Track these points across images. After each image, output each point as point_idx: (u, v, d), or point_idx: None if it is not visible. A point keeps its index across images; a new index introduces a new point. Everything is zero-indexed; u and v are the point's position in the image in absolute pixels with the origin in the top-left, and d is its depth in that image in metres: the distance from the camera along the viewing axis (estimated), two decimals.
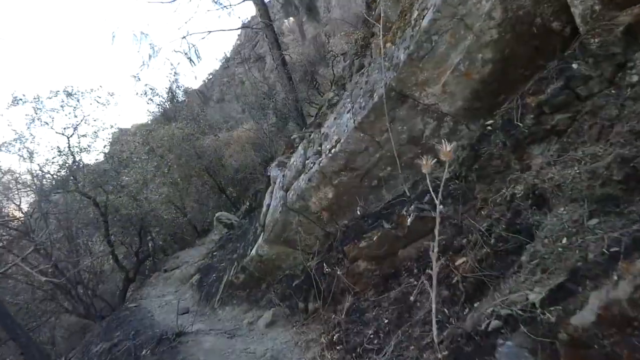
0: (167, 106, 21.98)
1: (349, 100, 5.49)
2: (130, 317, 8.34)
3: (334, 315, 4.62)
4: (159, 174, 17.43)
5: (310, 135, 6.43)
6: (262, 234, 6.55)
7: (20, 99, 11.60)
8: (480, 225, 3.57)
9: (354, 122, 5.20)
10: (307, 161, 5.95)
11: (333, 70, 20.68)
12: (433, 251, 2.65)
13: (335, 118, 5.65)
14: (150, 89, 20.87)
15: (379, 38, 7.77)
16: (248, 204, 13.58)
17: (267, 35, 12.41)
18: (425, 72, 4.72)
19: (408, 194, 4.85)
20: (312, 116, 14.03)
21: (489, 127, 4.25)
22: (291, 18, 41.21)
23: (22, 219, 10.69)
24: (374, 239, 4.53)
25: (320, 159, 5.65)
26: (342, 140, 5.33)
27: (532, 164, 3.63)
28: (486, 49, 4.44)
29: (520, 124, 3.75)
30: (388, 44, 5.13)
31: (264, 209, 6.72)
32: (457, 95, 4.79)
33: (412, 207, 4.28)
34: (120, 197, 12.55)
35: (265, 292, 6.56)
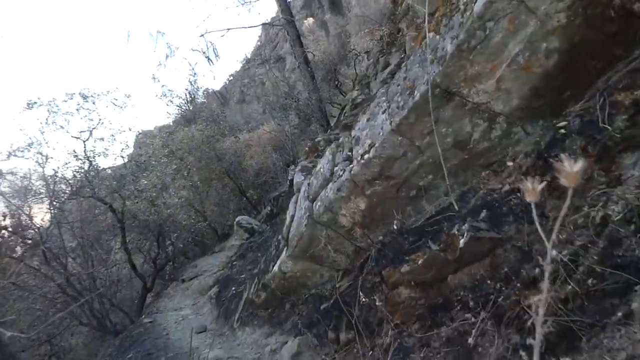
0: (187, 108, 21.45)
1: (384, 98, 4.78)
2: (144, 335, 7.76)
3: (371, 352, 3.92)
4: (179, 177, 16.99)
5: (338, 139, 5.70)
6: (285, 249, 5.87)
7: (35, 103, 11.16)
8: (560, 252, 2.82)
9: (390, 123, 4.50)
10: (335, 168, 5.25)
11: (355, 69, 19.98)
12: (537, 314, 1.91)
13: (368, 119, 4.95)
14: (168, 90, 20.30)
15: (413, 31, 7.05)
16: (269, 208, 12.96)
17: (288, 33, 11.75)
18: (477, 66, 3.99)
19: (456, 207, 4.11)
20: (335, 117, 13.36)
21: (562, 130, 3.49)
22: (311, 19, 40.80)
23: (35, 227, 10.18)
24: (419, 262, 3.81)
25: (351, 165, 4.95)
26: (376, 145, 4.62)
27: (623, 177, 2.87)
28: (552, 37, 3.69)
29: (609, 127, 2.99)
30: (430, 34, 4.40)
31: (288, 220, 6.05)
32: (513, 93, 4.06)
33: (466, 225, 3.55)
34: (137, 202, 12.01)
35: (289, 313, 5.88)
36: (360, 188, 4.87)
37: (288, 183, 10.74)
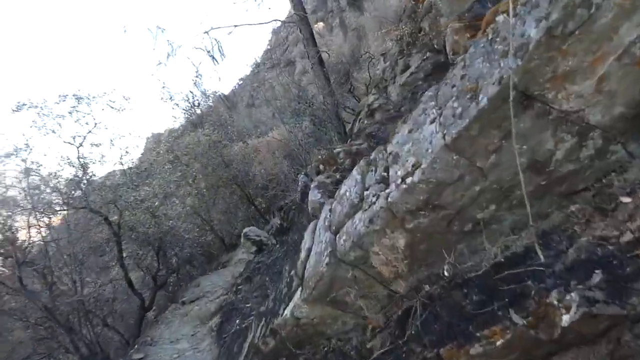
0: (192, 111, 20.34)
1: (432, 104, 3.60)
2: None
3: None
4: (184, 184, 15.91)
5: (368, 155, 4.51)
6: (299, 289, 4.69)
7: (24, 105, 10.06)
8: None
9: (443, 137, 3.32)
10: (366, 192, 4.07)
11: (369, 73, 18.79)
12: None
13: (410, 130, 3.76)
14: (169, 92, 19.21)
15: (456, 22, 5.86)
16: (279, 222, 11.76)
17: (301, 31, 10.61)
18: (571, 59, 2.83)
19: (542, 258, 2.90)
20: (349, 122, 12.17)
21: None
22: (321, 23, 39.86)
23: (16, 243, 9.04)
24: (497, 343, 2.61)
25: (387, 191, 3.77)
26: (423, 165, 3.44)
27: None
28: None
29: None
30: (501, 17, 3.21)
31: (303, 254, 4.86)
32: (617, 97, 2.90)
33: (575, 295, 2.35)
34: (136, 213, 10.87)
35: None
36: (399, 220, 3.70)
37: (299, 195, 9.56)
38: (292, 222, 10.53)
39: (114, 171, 14.69)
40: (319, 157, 8.51)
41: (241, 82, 44.21)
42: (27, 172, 10.03)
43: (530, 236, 3.17)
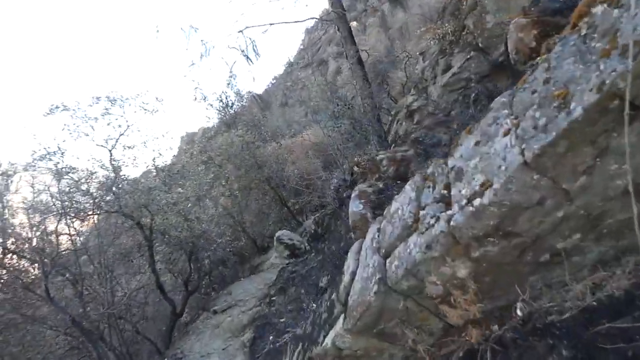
0: (226, 111, 20.04)
1: (506, 112, 3.03)
2: None
3: None
4: (217, 185, 15.60)
5: (428, 167, 3.95)
6: (342, 317, 4.16)
7: (57, 107, 9.84)
8: None
9: (521, 153, 2.75)
10: (422, 212, 3.52)
11: (406, 72, 18.11)
12: None
13: (477, 143, 3.19)
14: (201, 93, 18.90)
15: (521, 17, 5.23)
16: (313, 227, 11.27)
17: (339, 28, 10.08)
18: None
19: None
20: (386, 124, 11.57)
21: None
22: (354, 22, 39.24)
23: (44, 250, 8.78)
24: None
25: (449, 212, 3.22)
26: (495, 185, 2.89)
27: None
28: None
29: None
30: (599, 8, 2.62)
31: (346, 278, 4.33)
32: None
33: None
34: (166, 218, 10.55)
35: None
36: (463, 247, 3.15)
37: (335, 201, 9.06)
38: (327, 229, 10.04)
39: (149, 170, 14.50)
40: (358, 162, 8.00)
41: (274, 81, 44.00)
42: (59, 175, 9.79)
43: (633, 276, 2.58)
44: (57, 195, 9.67)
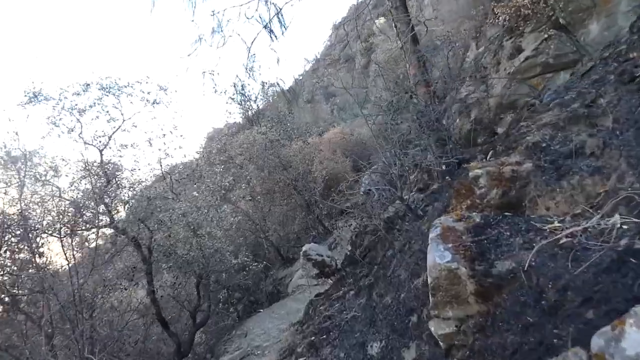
0: (247, 105, 17.55)
1: None
2: None
3: None
4: (237, 188, 13.21)
5: None
6: None
7: (36, 96, 7.47)
8: None
9: None
10: None
11: (448, 60, 15.33)
12: None
13: None
14: (212, 79, 16.31)
15: None
16: (349, 250, 8.70)
17: None
18: None
19: None
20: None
21: None
22: (382, 18, 36.53)
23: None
24: None
25: None
26: None
27: None
28: None
29: None
30: None
31: None
32: None
33: None
34: (170, 235, 8.15)
35: None
36: None
37: (382, 222, 6.51)
38: (368, 253, 7.49)
39: (176, 165, 12.24)
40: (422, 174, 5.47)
41: (300, 77, 41.60)
42: (41, 181, 7.48)
43: None
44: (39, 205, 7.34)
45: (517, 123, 5.03)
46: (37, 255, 6.92)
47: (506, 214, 3.69)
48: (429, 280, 3.50)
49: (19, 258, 6.74)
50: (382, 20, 35.76)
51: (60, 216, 7.46)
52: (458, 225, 3.67)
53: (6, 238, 6.45)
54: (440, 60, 13.78)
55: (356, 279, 7.14)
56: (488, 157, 4.47)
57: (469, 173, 3.87)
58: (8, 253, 6.58)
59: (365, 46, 36.38)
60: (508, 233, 3.52)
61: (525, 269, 3.10)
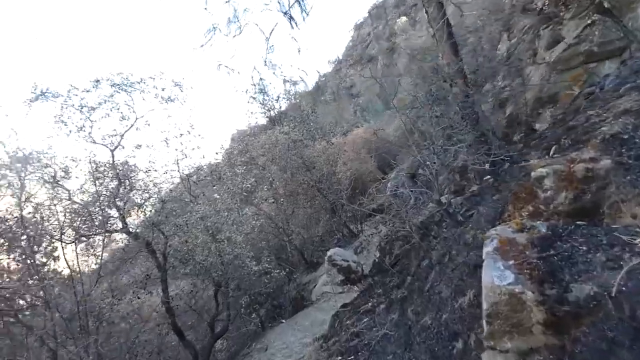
0: (270, 105, 16.94)
1: None
2: None
3: None
4: (260, 189, 12.67)
5: None
6: None
7: (43, 93, 6.99)
8: None
9: None
10: None
11: (480, 50, 14.47)
12: None
13: None
14: (227, 69, 15.66)
15: None
16: (377, 256, 7.99)
17: None
18: None
19: None
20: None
21: None
22: (404, 17, 35.77)
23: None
24: None
25: None
26: None
27: None
28: None
29: None
30: None
31: None
32: None
33: None
34: (187, 240, 7.57)
35: None
36: None
37: (416, 229, 5.78)
38: (399, 261, 6.77)
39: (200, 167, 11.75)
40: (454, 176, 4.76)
41: (323, 78, 41.05)
42: (50, 184, 6.98)
43: None
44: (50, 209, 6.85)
45: (575, 114, 4.26)
46: (46, 262, 6.45)
47: (579, 223, 2.95)
48: (485, 305, 2.81)
49: (19, 266, 6.23)
50: (403, 19, 35.02)
51: (68, 220, 6.99)
52: (519, 237, 2.95)
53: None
54: (468, 53, 12.91)
55: (386, 290, 6.43)
56: (551, 153, 3.71)
57: (530, 173, 3.14)
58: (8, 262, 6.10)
59: (387, 45, 35.66)
60: (584, 247, 2.79)
61: (613, 294, 2.41)
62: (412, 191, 5.69)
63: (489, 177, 5.67)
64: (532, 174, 3.11)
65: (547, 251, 2.81)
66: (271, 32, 6.00)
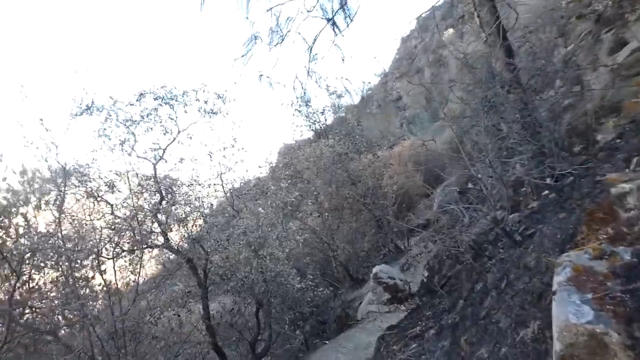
0: (315, 118, 16.71)
1: None
2: None
3: None
4: (305, 203, 12.45)
5: None
6: None
7: (89, 108, 7.03)
8: None
9: None
10: None
11: (534, 56, 13.68)
12: None
13: None
14: (268, 83, 15.51)
15: None
16: (426, 275, 7.49)
17: None
18: None
19: None
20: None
21: None
22: (451, 29, 34.94)
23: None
24: None
25: None
26: None
27: None
28: None
29: None
30: None
31: None
32: None
33: None
34: (227, 257, 7.36)
35: None
36: None
37: (471, 249, 5.30)
38: (454, 288, 6.25)
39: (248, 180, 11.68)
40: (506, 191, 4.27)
41: (369, 90, 40.67)
42: (94, 197, 6.97)
43: None
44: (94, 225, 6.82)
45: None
46: (86, 278, 6.40)
47: None
48: (558, 346, 2.34)
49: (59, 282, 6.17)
50: (451, 31, 34.26)
51: (109, 235, 6.94)
52: (598, 265, 2.48)
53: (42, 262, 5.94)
54: (523, 58, 12.23)
55: (436, 313, 5.95)
56: (632, 167, 3.20)
57: (608, 189, 2.67)
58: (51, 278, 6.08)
59: (434, 58, 34.96)
60: None
61: None
62: (464, 207, 5.21)
63: (548, 192, 5.12)
64: (612, 190, 2.63)
65: (634, 283, 2.33)
66: (315, 40, 5.72)
